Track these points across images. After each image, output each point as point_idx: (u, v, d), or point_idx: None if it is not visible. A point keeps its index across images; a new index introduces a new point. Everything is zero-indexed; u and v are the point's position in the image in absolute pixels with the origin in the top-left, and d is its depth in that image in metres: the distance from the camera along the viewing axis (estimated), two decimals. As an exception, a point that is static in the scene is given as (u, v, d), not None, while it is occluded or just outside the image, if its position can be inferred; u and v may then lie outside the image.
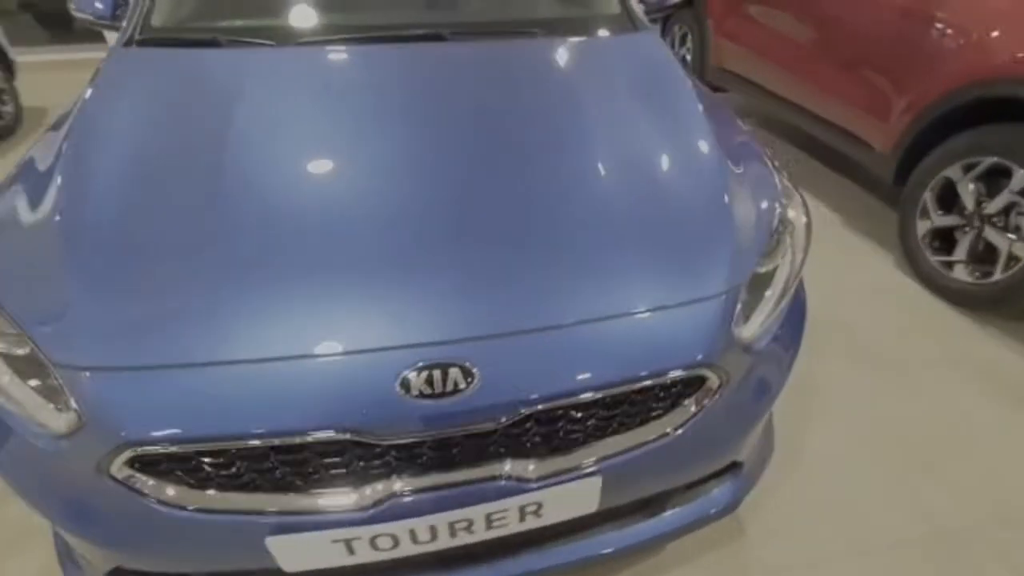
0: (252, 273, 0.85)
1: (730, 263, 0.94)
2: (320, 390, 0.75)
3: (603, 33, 1.59)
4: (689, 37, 3.95)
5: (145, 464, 0.75)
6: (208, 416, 0.73)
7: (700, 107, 1.28)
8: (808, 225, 1.13)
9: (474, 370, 0.76)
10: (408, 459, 0.80)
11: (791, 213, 1.12)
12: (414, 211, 0.96)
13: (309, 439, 0.74)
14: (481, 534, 0.87)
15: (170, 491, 0.77)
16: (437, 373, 0.75)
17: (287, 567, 0.84)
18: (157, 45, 1.38)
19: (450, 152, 1.10)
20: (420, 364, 0.75)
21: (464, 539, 0.87)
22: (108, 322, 0.78)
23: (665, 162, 1.13)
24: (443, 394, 0.75)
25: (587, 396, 0.81)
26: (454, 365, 0.76)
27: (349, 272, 0.85)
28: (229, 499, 0.78)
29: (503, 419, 0.78)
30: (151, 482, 0.76)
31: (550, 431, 0.84)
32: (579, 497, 0.89)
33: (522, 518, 0.87)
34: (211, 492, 0.77)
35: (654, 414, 0.90)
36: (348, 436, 0.74)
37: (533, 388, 0.79)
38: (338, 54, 1.37)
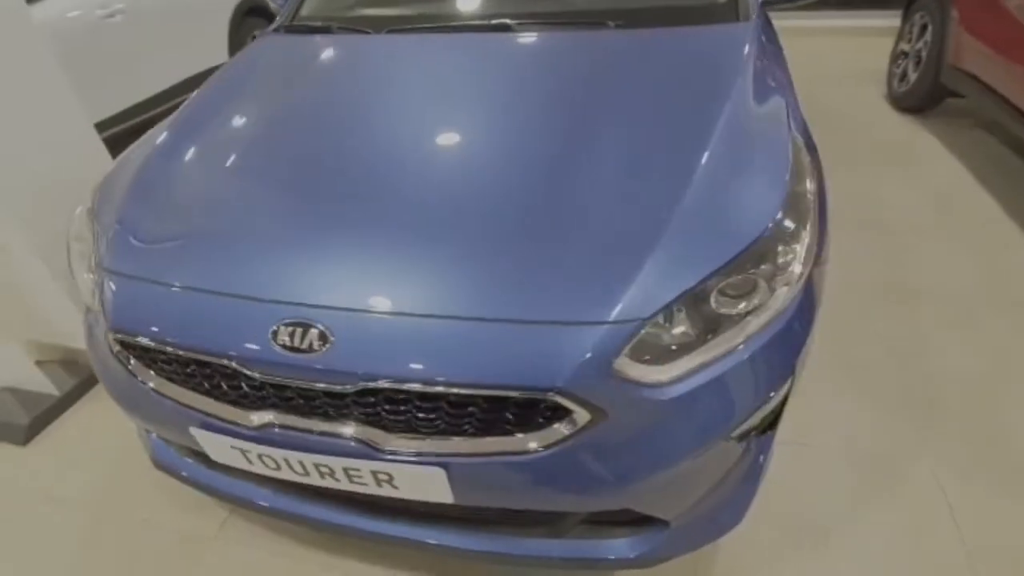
0: (248, 225, 1.06)
1: (629, 293, 0.84)
2: (225, 323, 0.92)
3: (697, 24, 1.46)
4: (929, 29, 3.17)
5: (127, 346, 1.03)
6: (154, 323, 0.96)
7: (725, 115, 1.10)
8: (812, 271, 0.92)
9: (331, 337, 0.85)
10: (282, 399, 0.93)
11: (788, 254, 0.93)
12: (395, 190, 1.06)
13: (212, 360, 0.92)
14: (347, 484, 0.97)
15: (140, 369, 1.03)
16: (300, 331, 0.86)
17: (212, 455, 1.06)
18: (295, 32, 1.71)
19: (453, 144, 1.16)
20: (288, 320, 0.87)
21: (333, 484, 0.98)
22: (133, 241, 1.07)
23: (636, 171, 1.02)
24: (299, 350, 0.86)
25: (431, 388, 0.83)
26: (314, 327, 0.86)
27: (306, 234, 1.00)
28: (169, 388, 1.01)
29: (348, 386, 0.86)
30: (132, 360, 1.04)
31: (399, 411, 0.88)
32: (428, 482, 0.91)
33: (378, 484, 0.94)
34: (162, 380, 1.02)
35: (512, 427, 0.87)
36: (235, 365, 0.90)
37: (377, 367, 0.84)
38: (432, 42, 1.54)
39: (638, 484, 0.89)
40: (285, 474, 1.00)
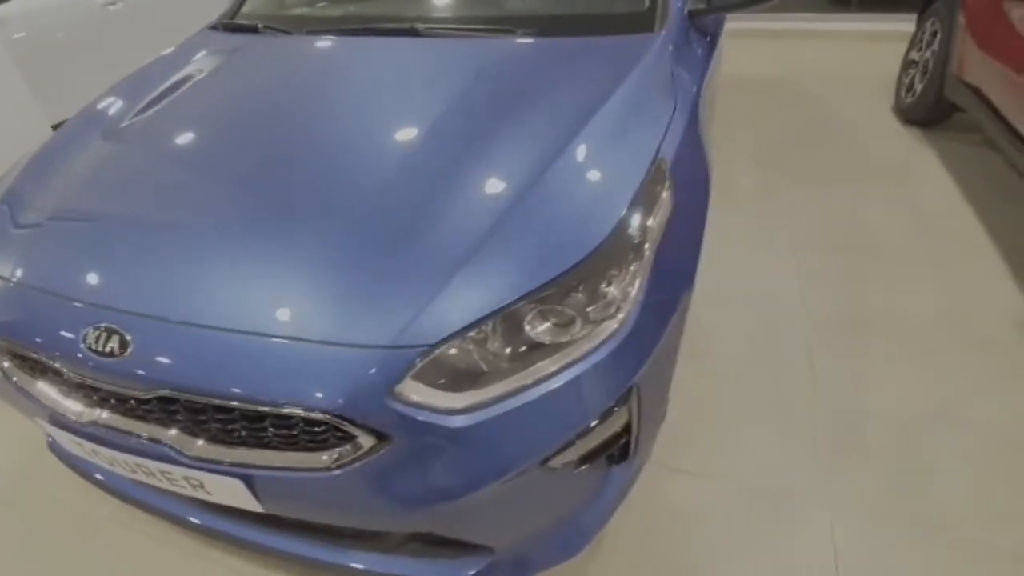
0: (92, 222, 1.08)
1: (419, 316, 0.82)
2: (46, 322, 0.94)
3: (609, 26, 1.41)
4: (938, 37, 2.97)
5: None
6: (6, 323, 0.99)
7: (582, 134, 1.06)
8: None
9: (129, 340, 0.87)
10: (102, 399, 0.95)
11: (611, 287, 0.90)
12: (236, 198, 1.07)
13: (41, 357, 0.95)
14: (169, 486, 0.98)
15: (5, 364, 1.07)
16: (104, 335, 0.88)
17: (66, 447, 1.09)
18: (226, 29, 1.73)
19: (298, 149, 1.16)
20: (96, 323, 0.89)
21: (159, 484, 1.00)
22: (11, 235, 1.10)
23: (479, 186, 0.99)
24: (103, 353, 0.87)
25: (211, 400, 0.84)
26: (116, 333, 0.87)
27: (135, 238, 1.01)
28: (24, 381, 1.05)
29: (142, 392, 0.87)
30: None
31: (199, 420, 0.89)
32: (232, 491, 0.92)
33: (193, 488, 0.95)
34: (18, 372, 1.06)
35: (310, 444, 0.86)
36: (57, 365, 0.93)
37: (165, 375, 0.85)
38: (342, 45, 1.54)
39: (436, 509, 0.88)
40: (120, 470, 1.02)
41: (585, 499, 1.06)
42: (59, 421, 1.01)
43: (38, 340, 0.94)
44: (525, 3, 1.64)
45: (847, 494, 1.39)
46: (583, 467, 0.99)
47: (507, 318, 0.86)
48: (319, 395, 0.80)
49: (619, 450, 1.07)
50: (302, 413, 0.81)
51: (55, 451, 1.32)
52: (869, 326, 1.88)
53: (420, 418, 0.82)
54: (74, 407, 0.99)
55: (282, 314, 0.85)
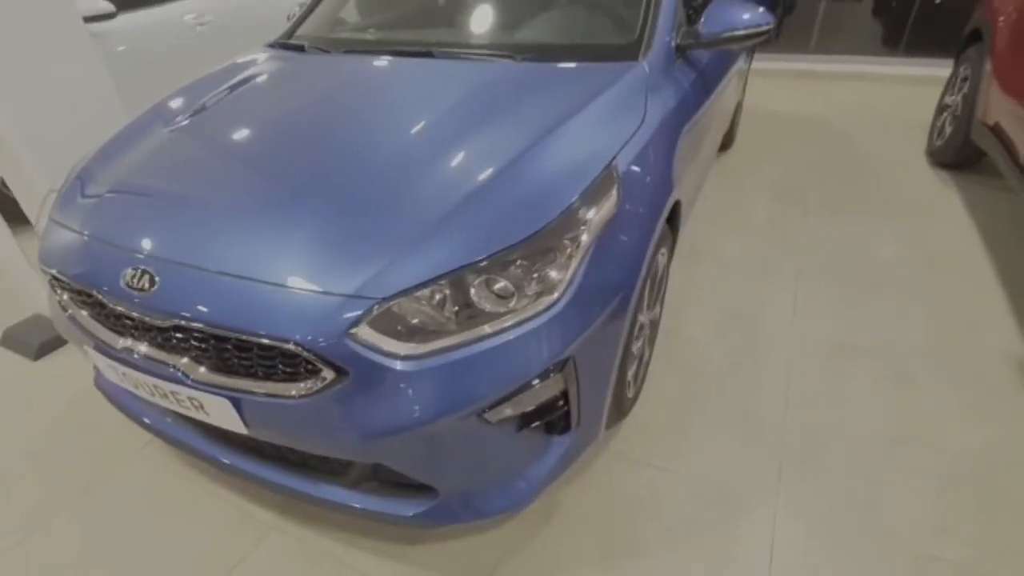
0: (143, 192, 1.33)
1: (377, 274, 1.00)
2: (98, 263, 1.18)
3: (598, 54, 1.60)
4: (968, 81, 2.98)
5: (55, 279, 1.32)
6: (61, 261, 1.25)
7: (551, 138, 1.24)
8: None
9: (157, 280, 1.09)
10: (135, 328, 1.17)
11: (550, 266, 1.05)
12: (258, 177, 1.29)
13: (90, 291, 1.19)
14: (178, 407, 1.18)
15: (64, 298, 1.33)
16: (139, 274, 1.10)
17: (107, 376, 1.32)
18: (280, 47, 2.03)
19: (312, 156, 1.35)
20: (136, 265, 1.12)
21: (170, 405, 1.20)
22: (73, 198, 1.37)
23: (451, 176, 1.18)
24: (137, 288, 1.10)
25: (213, 330, 1.04)
26: (148, 273, 1.10)
27: (174, 204, 1.25)
28: (78, 315, 1.29)
29: (161, 321, 1.08)
30: (58, 291, 1.33)
31: (203, 348, 1.09)
32: (223, 412, 1.10)
33: (195, 409, 1.15)
34: (75, 308, 1.30)
35: (281, 372, 1.05)
36: (101, 297, 1.16)
37: (179, 307, 1.06)
38: (371, 61, 1.78)
39: (381, 441, 1.03)
40: (143, 393, 1.23)
41: (526, 460, 1.19)
42: (101, 348, 1.24)
43: (90, 277, 1.18)
44: (528, 32, 1.84)
45: (797, 502, 1.44)
46: (524, 429, 1.13)
47: (455, 284, 1.02)
48: (294, 329, 0.98)
49: (560, 419, 1.20)
50: (280, 344, 1.00)
51: (99, 386, 1.56)
52: (856, 352, 1.92)
53: (371, 357, 0.99)
54: (111, 336, 1.22)
55: (273, 266, 1.05)
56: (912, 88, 4.65)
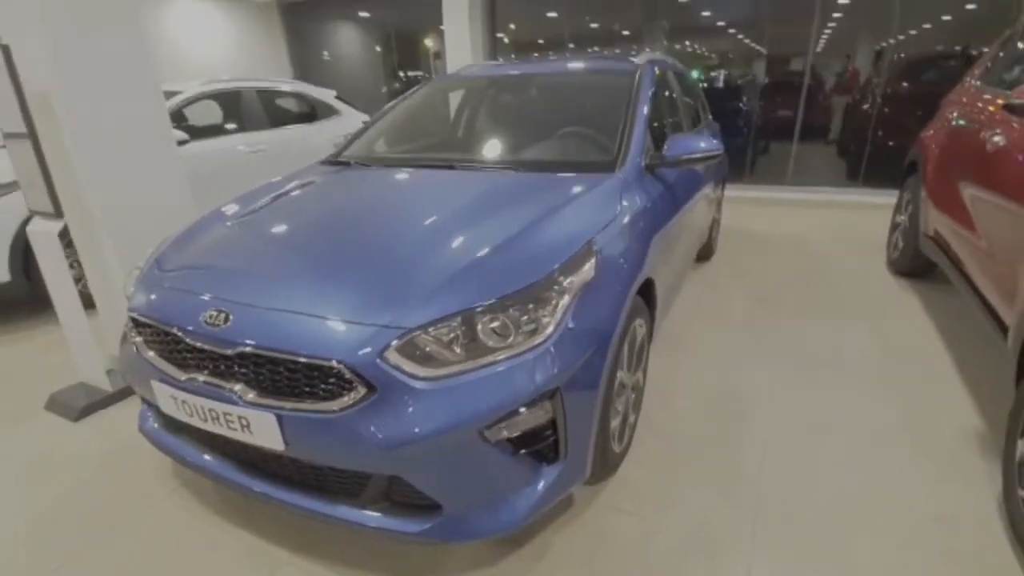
0: (220, 257, 1.67)
1: (403, 311, 1.30)
2: (179, 307, 1.48)
3: (584, 169, 2.02)
4: (911, 203, 3.46)
5: (134, 323, 1.61)
6: (146, 306, 1.55)
7: (544, 222, 1.62)
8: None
9: (231, 318, 1.38)
10: (199, 360, 1.44)
11: (540, 313, 1.35)
12: (312, 246, 1.64)
13: (167, 329, 1.47)
14: (226, 429, 1.40)
15: (139, 340, 1.60)
16: (215, 313, 1.40)
17: (161, 406, 1.55)
18: (330, 163, 2.51)
19: (376, 227, 1.73)
20: (212, 308, 1.41)
21: (219, 429, 1.41)
22: (159, 263, 1.71)
23: (465, 244, 1.52)
24: (213, 324, 1.38)
25: (273, 354, 1.30)
26: (223, 312, 1.39)
27: (246, 266, 1.58)
28: (148, 353, 1.56)
29: (229, 350, 1.35)
30: (135, 334, 1.62)
31: (258, 372, 1.34)
32: (268, 428, 1.32)
33: (242, 428, 1.37)
34: (145, 347, 1.58)
35: (321, 392, 1.29)
36: (178, 333, 1.44)
37: (250, 337, 1.33)
38: (402, 172, 2.24)
39: (400, 451, 1.24)
40: (196, 421, 1.46)
41: (520, 483, 1.37)
42: (165, 380, 1.48)
43: (173, 318, 1.47)
44: (529, 152, 2.33)
45: (770, 551, 1.56)
46: (518, 453, 1.34)
47: (465, 321, 1.31)
48: (337, 351, 1.25)
49: (550, 448, 1.41)
50: (324, 363, 1.25)
51: (143, 430, 1.77)
52: (826, 427, 2.10)
53: (396, 376, 1.25)
54: (175, 370, 1.48)
55: (321, 305, 1.35)
56: (872, 213, 5.21)
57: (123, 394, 2.47)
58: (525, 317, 1.35)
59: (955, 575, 1.47)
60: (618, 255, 1.65)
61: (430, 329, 1.29)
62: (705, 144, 2.17)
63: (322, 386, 1.30)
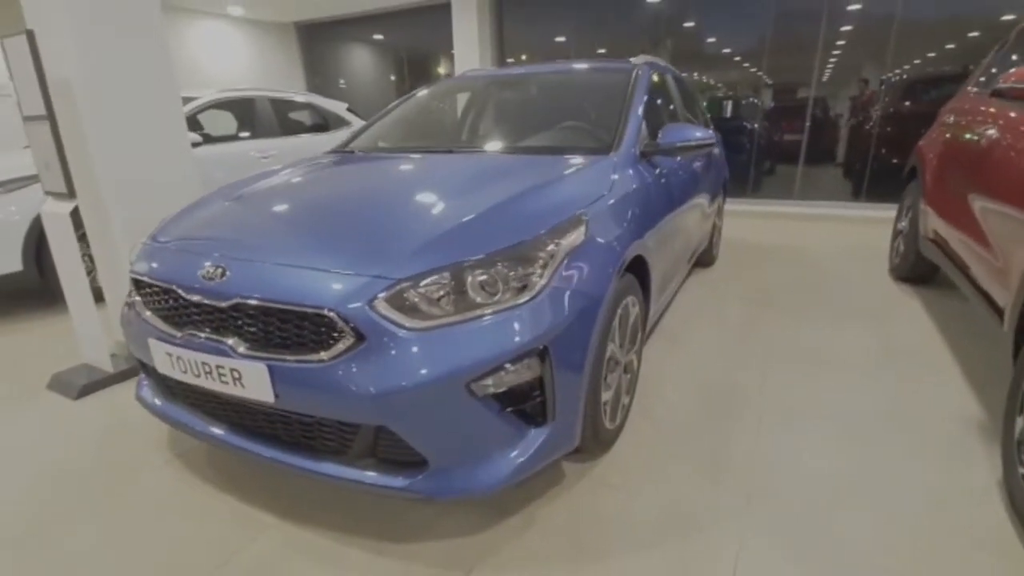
0: (221, 222, 1.72)
1: (392, 263, 1.33)
2: (182, 265, 1.52)
3: (581, 152, 2.08)
4: (911, 208, 3.48)
5: (136, 284, 1.65)
6: (149, 266, 1.59)
7: (537, 192, 1.66)
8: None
9: (228, 272, 1.42)
10: (195, 317, 1.47)
11: (529, 271, 1.38)
12: (310, 214, 1.69)
13: (167, 287, 1.51)
14: (219, 384, 1.41)
15: (138, 300, 1.64)
16: (213, 268, 1.43)
17: (157, 365, 1.58)
18: (336, 152, 2.59)
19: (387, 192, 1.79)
20: (210, 263, 1.45)
21: (213, 384, 1.43)
22: (166, 236, 1.76)
23: (461, 207, 1.56)
24: (210, 279, 1.42)
25: (268, 304, 1.33)
26: (220, 267, 1.43)
27: (245, 228, 1.63)
28: (146, 313, 1.60)
29: (224, 303, 1.38)
30: (135, 295, 1.66)
31: (251, 324, 1.37)
32: (259, 380, 1.34)
33: (234, 382, 1.39)
34: (145, 308, 1.62)
35: (311, 342, 1.31)
36: (177, 290, 1.48)
37: (243, 289, 1.37)
38: (400, 157, 2.30)
39: (388, 399, 1.25)
40: (189, 377, 1.48)
41: (507, 441, 1.38)
42: (162, 337, 1.52)
43: (172, 275, 1.51)
44: (530, 140, 2.39)
45: (762, 522, 1.54)
46: (506, 410, 1.35)
47: (455, 275, 1.33)
48: (329, 299, 1.28)
49: (537, 408, 1.42)
50: (317, 311, 1.28)
51: (140, 397, 1.79)
52: (820, 415, 2.08)
53: (385, 325, 1.27)
54: (172, 328, 1.51)
55: (318, 259, 1.39)
56: (874, 226, 5.22)
57: (124, 375, 2.50)
58: (513, 273, 1.37)
59: (956, 553, 1.43)
60: (608, 226, 1.68)
61: (420, 283, 1.32)
62: (700, 133, 2.22)
63: (312, 336, 1.32)
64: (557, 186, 1.72)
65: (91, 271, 3.28)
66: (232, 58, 8.92)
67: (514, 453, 1.39)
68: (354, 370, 1.27)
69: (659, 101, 2.75)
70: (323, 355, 1.30)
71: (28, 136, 2.34)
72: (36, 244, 3.34)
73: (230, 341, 1.40)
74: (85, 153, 2.40)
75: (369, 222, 1.54)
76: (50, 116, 2.21)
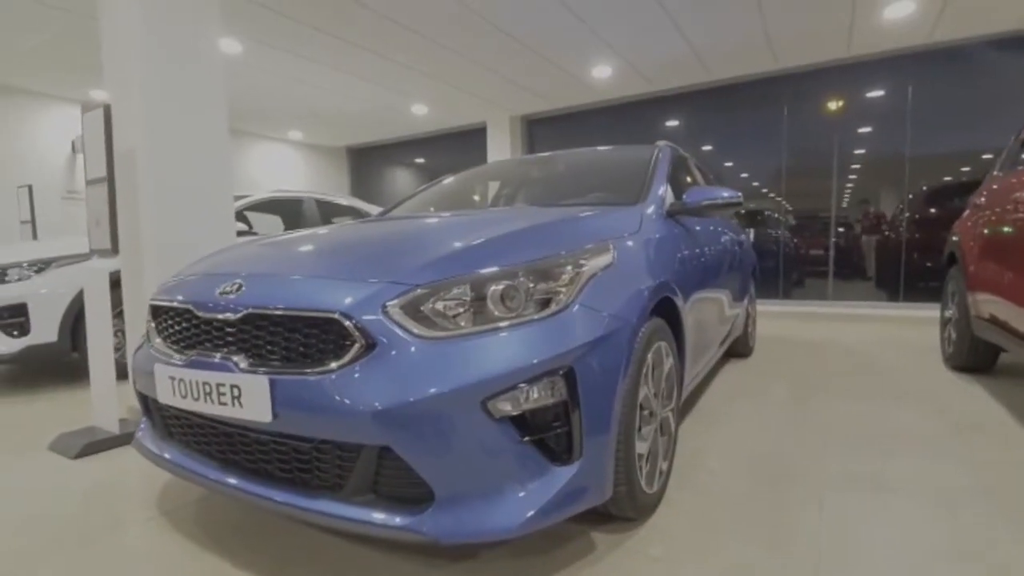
0: (240, 258, 1.72)
1: (408, 271, 1.28)
2: (201, 289, 1.50)
3: (613, 203, 2.10)
4: (957, 292, 3.32)
5: (153, 311, 1.62)
6: (169, 293, 1.58)
7: (569, 228, 1.64)
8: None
9: (244, 286, 1.38)
10: (207, 334, 1.41)
11: (551, 286, 1.31)
12: (338, 245, 1.68)
13: (184, 307, 1.48)
14: (218, 406, 1.31)
15: (150, 331, 1.61)
16: (232, 285, 1.40)
17: (159, 395, 1.49)
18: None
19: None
20: (230, 282, 1.42)
21: (210, 407, 1.32)
22: (190, 271, 1.77)
23: (479, 231, 1.52)
24: (226, 294, 1.38)
25: (276, 312, 1.27)
26: (237, 282, 1.40)
27: (274, 258, 1.62)
28: (155, 340, 1.55)
29: (235, 315, 1.33)
30: (151, 322, 1.62)
31: (258, 336, 1.30)
32: (258, 396, 1.23)
33: (233, 401, 1.28)
34: (155, 336, 1.57)
35: (320, 352, 1.23)
36: (193, 310, 1.44)
37: (256, 298, 1.32)
38: (431, 215, 2.31)
39: (397, 414, 1.12)
40: (188, 402, 1.38)
41: (523, 476, 1.19)
42: (168, 361, 1.45)
43: (190, 297, 1.47)
44: (568, 198, 2.43)
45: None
46: (525, 438, 1.20)
47: (474, 287, 1.26)
48: (341, 304, 1.21)
49: (561, 442, 1.25)
50: (329, 316, 1.21)
51: (138, 443, 1.68)
52: (889, 488, 1.79)
53: (397, 333, 1.18)
54: (179, 352, 1.45)
55: (333, 269, 1.37)
56: (919, 325, 4.97)
57: (129, 437, 2.38)
58: (536, 287, 1.30)
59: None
60: (637, 259, 1.64)
61: (439, 293, 1.25)
62: (727, 193, 2.22)
63: (320, 346, 1.24)
64: (585, 220, 1.71)
65: (120, 347, 3.33)
66: (287, 177, 9.80)
67: (534, 493, 1.20)
68: (360, 382, 1.16)
69: (683, 177, 2.82)
70: (331, 365, 1.20)
71: (87, 198, 2.50)
72: (73, 319, 3.44)
73: (235, 357, 1.32)
74: (135, 217, 2.54)
75: (390, 244, 1.53)
76: (110, 178, 2.38)
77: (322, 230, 2.09)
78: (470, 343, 1.19)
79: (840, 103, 6.26)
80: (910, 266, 6.01)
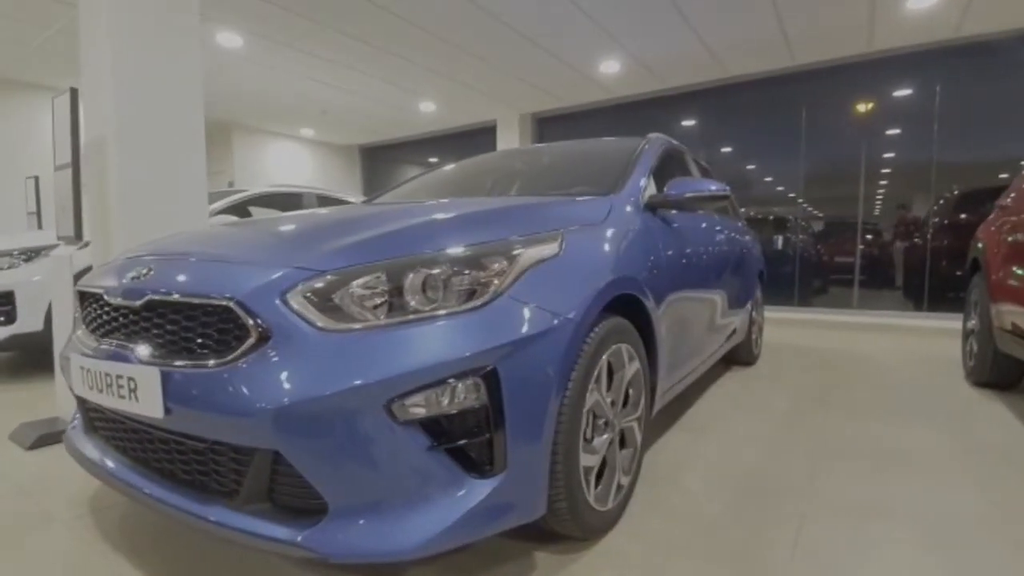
0: (186, 240, 1.62)
1: (311, 255, 1.17)
2: (113, 274, 1.39)
3: (590, 194, 1.94)
4: (979, 302, 3.06)
5: (81, 299, 1.53)
6: (92, 279, 1.48)
7: (520, 209, 1.54)
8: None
9: (152, 270, 1.28)
10: (116, 322, 1.31)
11: (478, 277, 1.17)
12: (271, 230, 1.56)
13: (96, 292, 1.38)
14: (116, 398, 1.20)
15: (78, 316, 1.52)
16: (140, 270, 1.30)
17: (74, 387, 1.39)
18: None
19: None
20: (143, 267, 1.32)
21: (111, 399, 1.22)
22: (122, 254, 1.69)
23: (411, 217, 1.39)
24: (135, 278, 1.28)
25: (173, 300, 1.16)
26: (149, 267, 1.30)
27: (211, 239, 1.51)
28: (80, 327, 1.46)
29: (138, 302, 1.22)
30: (78, 310, 1.53)
31: (160, 326, 1.19)
32: (151, 388, 1.12)
33: (129, 394, 1.17)
34: (81, 324, 1.48)
35: (215, 342, 1.11)
36: (104, 296, 1.34)
37: (156, 285, 1.21)
38: (395, 204, 2.17)
39: (286, 414, 1.00)
40: (94, 393, 1.28)
41: (431, 488, 1.05)
42: (82, 352, 1.35)
43: (104, 282, 1.38)
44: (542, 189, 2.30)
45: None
46: (436, 445, 1.06)
47: (390, 275, 1.12)
48: (234, 289, 1.10)
49: (480, 450, 1.11)
50: (220, 303, 1.09)
51: (67, 442, 1.58)
52: (884, 513, 1.59)
53: (296, 323, 1.06)
54: (94, 339, 1.35)
55: (244, 253, 1.25)
56: (944, 337, 4.66)
57: (87, 430, 2.32)
58: (461, 277, 1.16)
59: None
60: (594, 251, 1.48)
61: (350, 280, 1.11)
62: (715, 187, 2.04)
63: (216, 337, 1.12)
64: (537, 208, 1.55)
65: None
66: (299, 175, 9.85)
67: (445, 509, 1.06)
68: (247, 377, 1.04)
69: (677, 171, 2.64)
70: (225, 358, 1.08)
71: (55, 184, 2.46)
72: (62, 308, 3.42)
73: (136, 347, 1.21)
74: (105, 205, 2.48)
75: (315, 229, 1.40)
76: (74, 165, 2.32)
77: (279, 217, 1.99)
78: (377, 338, 1.06)
79: (869, 106, 5.92)
80: (936, 275, 5.67)
